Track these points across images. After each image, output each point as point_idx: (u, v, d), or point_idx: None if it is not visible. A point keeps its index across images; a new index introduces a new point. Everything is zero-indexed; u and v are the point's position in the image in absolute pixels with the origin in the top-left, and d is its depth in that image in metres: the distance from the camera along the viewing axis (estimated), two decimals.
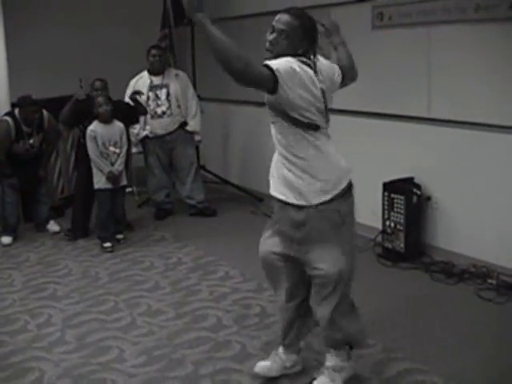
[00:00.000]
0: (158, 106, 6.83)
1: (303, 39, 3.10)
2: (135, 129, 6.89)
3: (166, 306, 4.79)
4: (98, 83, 6.38)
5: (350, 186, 3.25)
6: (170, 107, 6.84)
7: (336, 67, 3.40)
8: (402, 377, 3.61)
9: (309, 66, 3.08)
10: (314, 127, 3.10)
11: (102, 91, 6.33)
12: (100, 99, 6.09)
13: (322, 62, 3.23)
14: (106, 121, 6.09)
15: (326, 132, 3.20)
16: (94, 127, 6.07)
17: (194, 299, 4.89)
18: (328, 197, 3.14)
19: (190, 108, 7.02)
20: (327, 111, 3.15)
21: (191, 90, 7.08)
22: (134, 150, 7.12)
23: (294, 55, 3.05)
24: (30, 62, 7.68)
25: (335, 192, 3.16)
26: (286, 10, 3.14)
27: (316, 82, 3.07)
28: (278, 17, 3.12)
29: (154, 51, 6.84)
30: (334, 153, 3.22)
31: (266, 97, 3.04)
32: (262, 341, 4.12)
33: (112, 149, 6.10)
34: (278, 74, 2.88)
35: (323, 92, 3.11)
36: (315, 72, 3.10)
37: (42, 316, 4.69)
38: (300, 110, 3.03)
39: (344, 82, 3.46)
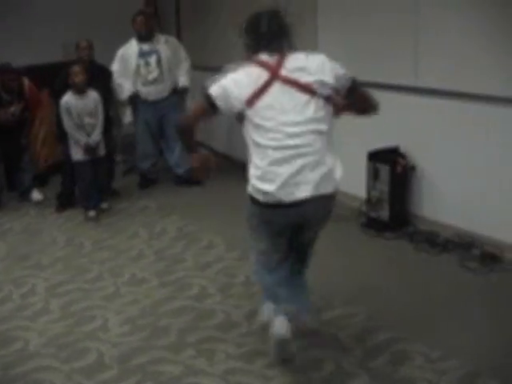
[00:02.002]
0: (148, 72, 6.73)
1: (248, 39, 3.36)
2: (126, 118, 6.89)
3: (150, 274, 4.79)
4: (83, 43, 6.31)
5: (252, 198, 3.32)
6: (161, 73, 6.74)
7: (334, 75, 3.26)
8: (386, 346, 3.63)
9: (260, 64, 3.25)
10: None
11: (88, 51, 6.28)
12: (76, 68, 5.90)
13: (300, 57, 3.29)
14: (82, 91, 5.96)
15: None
16: (68, 99, 5.92)
17: (178, 268, 4.89)
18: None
19: (182, 68, 6.93)
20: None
21: (183, 52, 6.94)
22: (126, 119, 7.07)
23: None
24: (13, 30, 7.57)
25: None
26: None
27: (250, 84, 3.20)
28: None
29: (140, 18, 6.69)
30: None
31: None
32: (246, 310, 4.13)
33: (87, 120, 5.99)
34: (214, 99, 3.25)
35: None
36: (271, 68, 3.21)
37: (26, 285, 4.69)
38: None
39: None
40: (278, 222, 3.32)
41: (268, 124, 3.16)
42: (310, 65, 3.22)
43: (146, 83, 6.75)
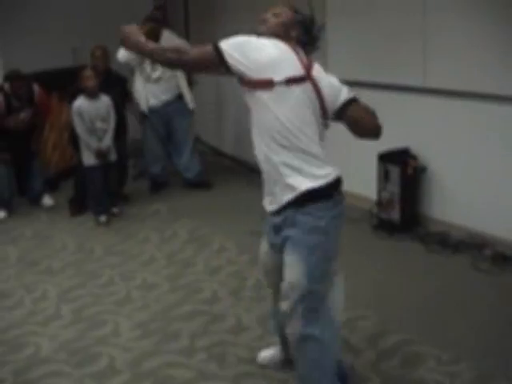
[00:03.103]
0: (153, 70, 6.75)
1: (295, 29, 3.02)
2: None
3: (161, 279, 4.79)
4: (98, 52, 6.33)
5: None
6: (165, 71, 6.74)
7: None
8: (397, 348, 3.62)
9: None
10: None
11: (103, 60, 6.29)
12: (88, 73, 5.94)
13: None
14: (94, 95, 5.98)
15: None
16: (81, 103, 5.93)
17: (189, 272, 4.89)
18: None
19: (184, 86, 6.98)
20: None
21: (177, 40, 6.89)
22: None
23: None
24: (23, 36, 7.60)
25: None
26: None
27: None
28: None
29: (151, 24, 6.66)
30: None
31: None
32: (257, 313, 4.12)
33: (99, 124, 6.00)
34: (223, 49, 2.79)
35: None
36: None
37: (38, 291, 4.69)
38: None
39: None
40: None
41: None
42: (333, 82, 2.99)
43: (150, 80, 6.77)
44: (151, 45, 2.95)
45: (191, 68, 3.16)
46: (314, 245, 2.84)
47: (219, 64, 2.79)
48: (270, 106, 2.78)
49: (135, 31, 2.96)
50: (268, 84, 2.75)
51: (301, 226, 2.84)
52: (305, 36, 3.01)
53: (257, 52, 2.77)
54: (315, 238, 2.84)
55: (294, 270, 2.86)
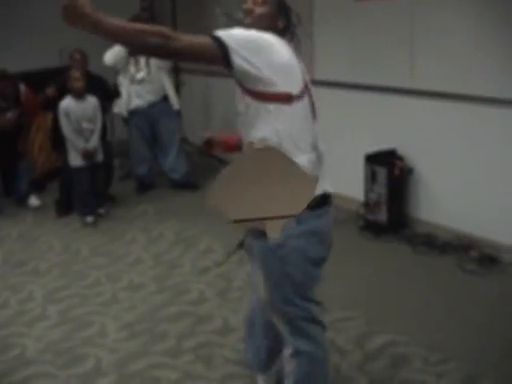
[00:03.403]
0: (137, 71, 6.74)
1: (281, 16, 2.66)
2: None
3: (147, 279, 4.77)
4: (77, 56, 6.29)
5: None
6: (149, 72, 6.74)
7: None
8: (384, 349, 3.62)
9: None
10: None
11: (81, 63, 6.25)
12: (75, 73, 5.92)
13: None
14: (80, 96, 5.96)
15: None
16: (67, 103, 5.92)
17: (176, 273, 4.87)
18: None
19: (169, 88, 6.98)
20: None
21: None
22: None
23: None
24: (10, 36, 7.57)
25: None
26: None
27: None
28: None
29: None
30: None
31: None
32: (243, 314, 4.09)
33: (86, 125, 5.98)
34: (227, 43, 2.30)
35: None
36: None
37: (24, 291, 4.67)
38: None
39: None
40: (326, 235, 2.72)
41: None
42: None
43: (134, 82, 6.75)
44: (122, 23, 2.29)
45: (179, 58, 2.63)
46: (269, 267, 2.58)
47: (220, 61, 2.29)
48: (275, 118, 2.40)
49: (87, 4, 2.27)
50: (286, 98, 2.39)
51: (256, 245, 2.63)
52: (289, 24, 2.64)
53: (268, 53, 2.35)
54: (267, 260, 2.57)
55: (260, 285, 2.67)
